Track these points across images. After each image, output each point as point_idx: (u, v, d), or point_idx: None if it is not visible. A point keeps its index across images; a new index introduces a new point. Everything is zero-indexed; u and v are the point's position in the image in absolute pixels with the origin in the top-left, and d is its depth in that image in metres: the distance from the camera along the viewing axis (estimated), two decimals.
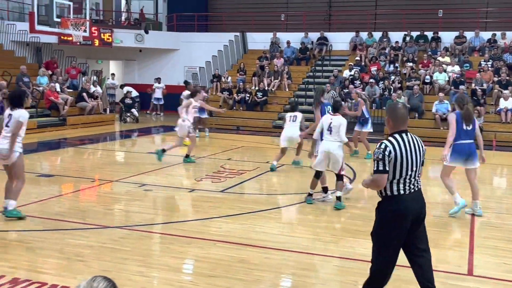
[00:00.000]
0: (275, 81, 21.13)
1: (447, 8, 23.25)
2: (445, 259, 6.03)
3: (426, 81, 19.36)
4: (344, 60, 22.31)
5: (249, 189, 9.60)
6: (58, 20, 16.00)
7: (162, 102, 24.34)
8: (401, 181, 4.19)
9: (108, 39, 22.66)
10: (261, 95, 20.27)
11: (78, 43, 19.25)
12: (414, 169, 4.23)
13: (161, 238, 6.69)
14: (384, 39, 22.45)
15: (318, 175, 8.31)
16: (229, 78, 21.78)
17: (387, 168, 4.14)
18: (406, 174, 4.19)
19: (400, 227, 4.21)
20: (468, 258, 6.05)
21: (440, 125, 17.07)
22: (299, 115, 11.14)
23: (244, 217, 7.50)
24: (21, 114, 7.00)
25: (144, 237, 6.63)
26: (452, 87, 18.42)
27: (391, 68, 20.66)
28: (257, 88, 20.72)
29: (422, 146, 4.34)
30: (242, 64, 22.76)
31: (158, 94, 24.33)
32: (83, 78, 20.71)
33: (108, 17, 26.54)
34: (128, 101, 21.26)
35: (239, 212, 7.77)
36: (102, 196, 8.97)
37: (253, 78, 21.41)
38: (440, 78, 19.13)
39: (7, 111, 7.18)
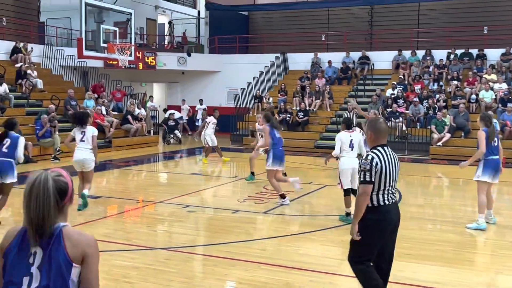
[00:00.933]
0: (316, 101, 21.07)
1: (493, 24, 22.77)
2: (501, 285, 5.80)
3: (471, 100, 18.92)
4: (387, 79, 22.08)
5: (291, 211, 9.52)
6: (105, 45, 16.44)
7: None
8: (385, 192, 4.43)
9: (152, 62, 23.19)
10: (302, 115, 20.22)
11: (123, 67, 19.75)
12: (393, 182, 4.50)
13: (206, 259, 6.68)
14: (428, 57, 22.12)
15: (347, 192, 8.48)
16: (271, 98, 21.86)
17: (373, 179, 4.36)
18: (389, 185, 4.45)
19: (384, 235, 4.47)
20: None
21: None
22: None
23: (288, 239, 7.43)
24: (94, 130, 8.54)
25: (188, 258, 6.64)
26: (500, 105, 17.94)
27: (435, 86, 20.30)
28: (298, 108, 20.70)
29: (397, 160, 4.61)
30: (283, 84, 22.81)
31: (199, 115, 24.64)
32: (128, 101, 21.19)
33: (151, 41, 27.20)
34: (171, 123, 21.61)
35: (283, 234, 7.70)
36: (147, 217, 9.07)
37: (294, 98, 21.41)
38: (487, 96, 18.65)
39: (79, 129, 8.52)
